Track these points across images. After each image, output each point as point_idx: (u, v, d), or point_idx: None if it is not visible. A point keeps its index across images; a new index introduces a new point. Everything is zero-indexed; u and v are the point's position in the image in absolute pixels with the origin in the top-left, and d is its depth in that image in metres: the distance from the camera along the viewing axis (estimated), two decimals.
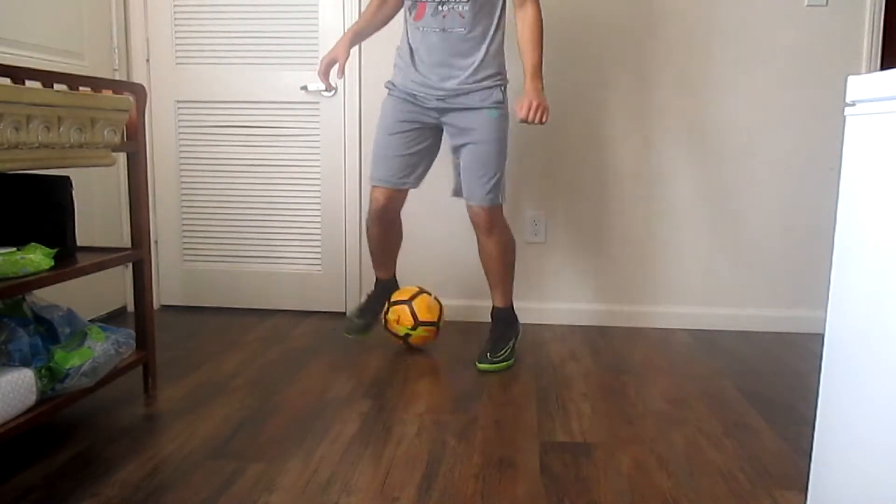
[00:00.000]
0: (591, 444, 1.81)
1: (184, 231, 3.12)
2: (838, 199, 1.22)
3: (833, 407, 1.22)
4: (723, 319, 2.92)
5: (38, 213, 1.86)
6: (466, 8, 2.16)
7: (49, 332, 1.76)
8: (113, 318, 2.89)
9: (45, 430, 1.81)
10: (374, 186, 2.40)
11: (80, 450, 1.73)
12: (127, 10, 2.95)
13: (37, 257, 1.66)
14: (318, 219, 3.05)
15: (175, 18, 2.98)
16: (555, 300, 2.96)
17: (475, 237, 2.42)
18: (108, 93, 1.88)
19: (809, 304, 2.84)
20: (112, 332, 1.92)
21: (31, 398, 1.61)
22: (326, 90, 2.48)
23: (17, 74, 1.65)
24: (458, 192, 2.39)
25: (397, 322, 2.49)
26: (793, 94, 2.80)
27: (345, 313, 3.06)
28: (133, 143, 1.98)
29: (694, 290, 2.94)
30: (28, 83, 1.64)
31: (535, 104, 2.15)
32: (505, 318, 2.49)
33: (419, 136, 2.34)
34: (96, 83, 1.91)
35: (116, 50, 2.92)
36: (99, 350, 1.81)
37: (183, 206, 3.10)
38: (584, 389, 2.21)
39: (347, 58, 2.31)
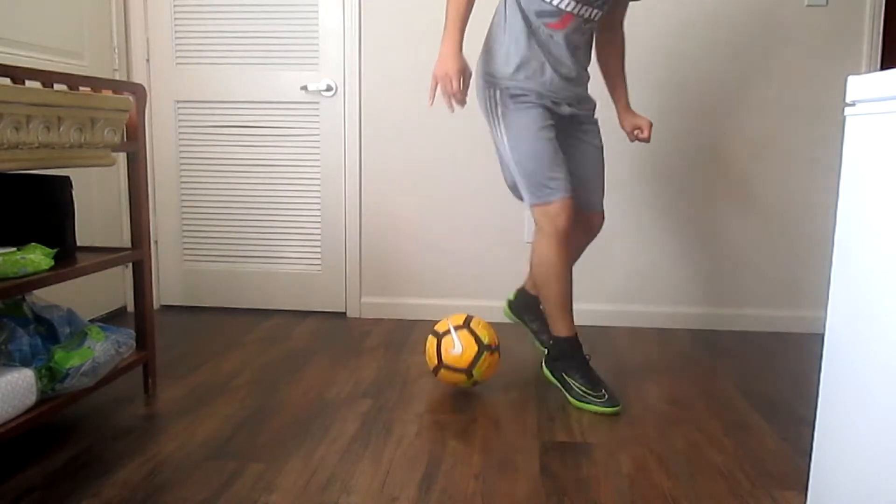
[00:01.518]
0: (591, 444, 1.81)
1: (184, 231, 3.12)
2: (838, 199, 1.22)
3: (833, 407, 1.22)
4: (723, 319, 2.92)
5: (38, 213, 1.86)
6: (590, 32, 2.12)
7: (49, 332, 1.76)
8: (113, 318, 2.89)
9: (45, 430, 1.81)
10: (556, 201, 2.00)
11: (80, 450, 1.73)
12: (127, 10, 2.95)
13: (37, 257, 1.66)
14: (318, 219, 3.05)
15: (175, 18, 2.98)
16: None
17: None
18: (108, 93, 1.88)
19: (809, 304, 2.84)
20: (112, 332, 1.92)
21: (31, 398, 1.61)
22: (455, 104, 1.99)
23: (17, 74, 1.65)
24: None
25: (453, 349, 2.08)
26: (793, 93, 2.80)
27: (345, 313, 3.06)
28: (133, 143, 1.98)
29: (694, 290, 2.94)
30: (28, 83, 1.64)
31: (648, 122, 2.26)
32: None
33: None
34: (96, 83, 1.91)
35: (116, 50, 2.92)
36: (99, 350, 1.81)
37: (183, 206, 3.10)
38: None
39: (466, 65, 2.02)
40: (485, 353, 2.06)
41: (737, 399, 2.14)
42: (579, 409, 2.02)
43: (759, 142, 2.84)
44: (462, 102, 1.94)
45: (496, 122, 2.08)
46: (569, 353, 2.11)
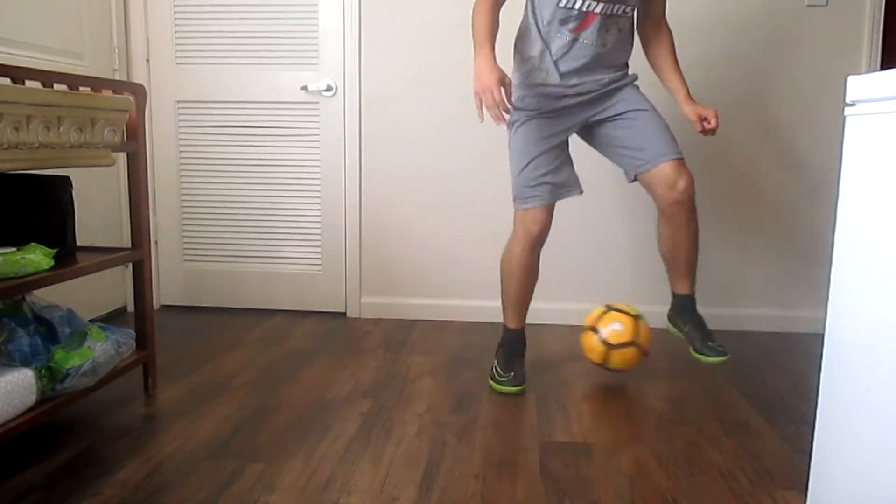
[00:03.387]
0: (591, 444, 1.81)
1: (184, 231, 3.12)
2: (838, 199, 1.22)
3: (833, 407, 1.22)
4: (723, 319, 2.92)
5: (38, 213, 1.86)
6: (627, 24, 2.11)
7: (49, 332, 1.76)
8: (113, 318, 2.89)
9: (45, 430, 1.81)
10: (532, 210, 2.12)
11: (80, 450, 1.73)
12: (127, 10, 2.95)
13: (37, 257, 1.66)
14: (318, 219, 3.05)
15: (175, 18, 2.98)
16: (555, 300, 2.96)
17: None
18: (108, 93, 1.88)
19: (809, 304, 2.84)
20: (112, 332, 1.92)
21: (31, 398, 1.61)
22: (496, 120, 1.89)
23: (17, 74, 1.64)
24: (635, 169, 2.14)
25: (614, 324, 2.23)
26: (793, 93, 2.80)
27: (345, 313, 3.06)
28: (133, 143, 1.98)
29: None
30: (28, 83, 1.64)
31: (713, 112, 2.16)
32: (695, 306, 2.27)
33: (564, 145, 2.16)
34: (96, 83, 1.91)
35: (116, 50, 2.92)
36: (99, 350, 1.81)
37: (183, 206, 3.10)
38: (584, 389, 2.21)
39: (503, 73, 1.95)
40: (640, 319, 2.26)
41: (737, 399, 2.14)
42: (490, 388, 2.20)
43: (759, 141, 2.84)
44: (508, 110, 1.91)
45: (509, 125, 2.15)
46: (507, 342, 2.26)
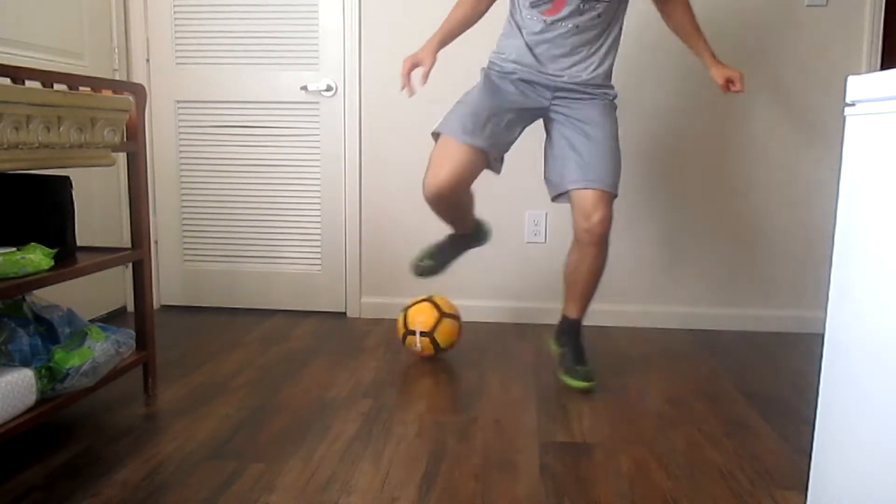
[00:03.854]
0: (591, 444, 1.81)
1: (184, 231, 3.12)
2: (838, 199, 1.22)
3: (833, 407, 1.22)
4: (723, 319, 2.92)
5: (38, 213, 1.86)
6: (607, 12, 2.10)
7: (49, 332, 1.76)
8: (113, 318, 2.89)
9: (45, 430, 1.81)
10: (443, 136, 2.17)
11: (80, 450, 1.73)
12: (127, 10, 2.95)
13: (37, 257, 1.66)
14: (318, 219, 3.05)
15: (175, 18, 2.98)
16: (555, 300, 2.96)
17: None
18: (108, 93, 1.88)
19: (809, 304, 2.84)
20: (112, 332, 1.92)
21: (31, 398, 1.61)
22: (407, 92, 2.07)
23: (17, 74, 1.64)
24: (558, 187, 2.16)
25: (420, 321, 2.40)
26: (793, 94, 2.80)
27: (345, 313, 3.06)
28: (133, 143, 1.98)
29: (693, 290, 2.94)
30: (28, 83, 1.64)
31: (739, 74, 2.23)
32: (580, 331, 2.29)
33: (519, 119, 2.18)
34: (96, 83, 1.91)
35: (116, 50, 2.92)
36: (99, 350, 1.81)
37: (183, 206, 3.10)
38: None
39: (433, 63, 2.10)
40: (445, 318, 2.41)
41: (737, 399, 2.14)
42: None
43: (759, 141, 2.84)
44: (407, 87, 2.05)
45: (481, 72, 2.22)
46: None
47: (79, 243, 1.98)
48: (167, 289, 3.15)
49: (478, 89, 2.19)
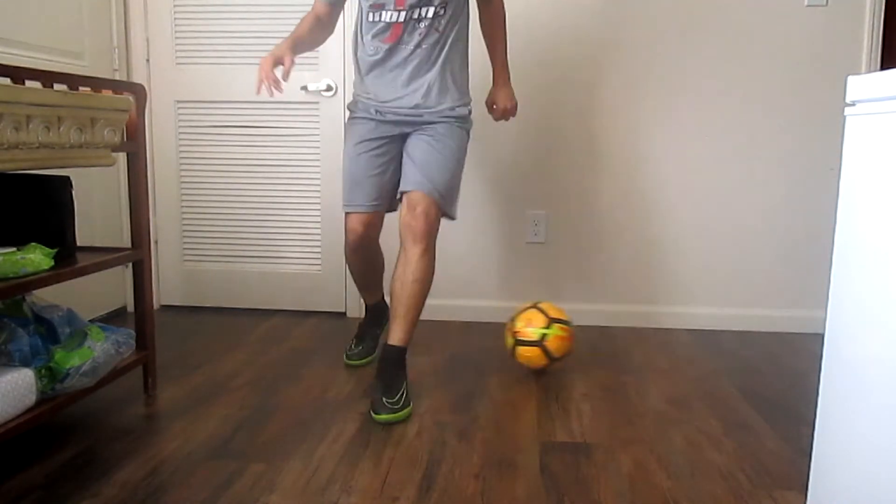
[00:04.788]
0: (591, 444, 1.81)
1: (184, 231, 3.12)
2: (838, 199, 1.22)
3: (833, 407, 1.22)
4: (723, 319, 2.92)
5: (38, 213, 1.86)
6: (443, 23, 2.05)
7: (49, 332, 1.76)
8: (113, 318, 2.89)
9: (45, 430, 1.81)
10: (349, 216, 2.22)
11: (80, 450, 1.73)
12: (127, 10, 2.95)
13: (37, 257, 1.66)
14: (318, 219, 3.05)
15: (175, 18, 2.98)
16: (554, 300, 2.96)
17: (404, 248, 2.06)
18: (108, 93, 1.88)
19: (809, 304, 2.84)
20: (112, 332, 1.92)
21: (31, 398, 1.61)
22: (268, 92, 2.00)
23: (17, 74, 1.65)
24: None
25: (528, 326, 2.26)
26: (792, 93, 2.80)
27: (345, 313, 3.06)
28: (133, 143, 1.98)
29: (694, 290, 2.94)
30: (28, 83, 1.64)
31: (510, 106, 2.24)
32: (400, 360, 2.06)
33: (385, 151, 2.16)
34: (96, 83, 1.91)
35: (116, 50, 2.92)
36: (99, 350, 1.81)
37: (183, 206, 3.10)
38: (584, 389, 2.21)
39: (293, 63, 2.05)
40: (554, 324, 2.27)
41: (737, 399, 2.14)
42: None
43: (760, 141, 2.84)
44: (278, 87, 1.99)
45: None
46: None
47: (79, 243, 1.98)
48: (167, 289, 3.15)
49: (344, 153, 2.25)
